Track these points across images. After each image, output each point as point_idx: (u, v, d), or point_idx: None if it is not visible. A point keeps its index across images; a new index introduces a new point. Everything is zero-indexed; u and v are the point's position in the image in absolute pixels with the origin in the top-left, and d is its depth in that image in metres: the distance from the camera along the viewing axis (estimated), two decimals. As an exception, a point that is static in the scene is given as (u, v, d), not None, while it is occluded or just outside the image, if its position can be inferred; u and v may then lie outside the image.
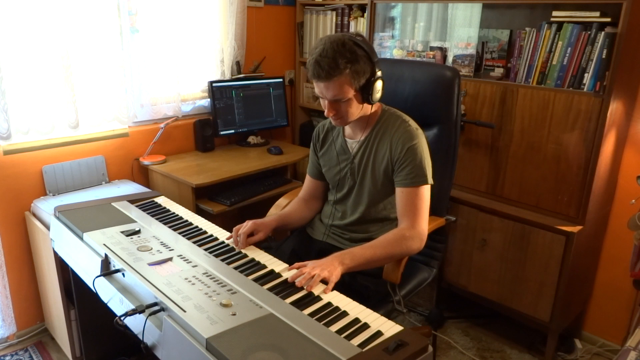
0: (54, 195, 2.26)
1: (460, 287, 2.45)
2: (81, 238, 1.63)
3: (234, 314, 1.16)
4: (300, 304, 1.24)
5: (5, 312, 2.26)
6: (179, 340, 1.13)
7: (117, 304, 1.40)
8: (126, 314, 1.25)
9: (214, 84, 2.73)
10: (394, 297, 1.59)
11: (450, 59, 2.45)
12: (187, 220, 1.77)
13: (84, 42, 2.25)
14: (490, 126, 2.24)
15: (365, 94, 1.52)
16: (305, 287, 1.31)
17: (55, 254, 1.92)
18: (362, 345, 1.08)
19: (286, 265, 1.45)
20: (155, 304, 1.24)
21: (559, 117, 2.06)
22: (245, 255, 1.51)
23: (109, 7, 2.27)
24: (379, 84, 1.53)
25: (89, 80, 2.31)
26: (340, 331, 1.13)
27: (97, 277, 1.46)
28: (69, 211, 1.81)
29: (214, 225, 1.73)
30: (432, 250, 1.87)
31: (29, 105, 2.14)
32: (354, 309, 1.24)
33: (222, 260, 1.46)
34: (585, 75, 1.97)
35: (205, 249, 1.52)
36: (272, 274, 1.39)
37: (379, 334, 1.13)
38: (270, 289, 1.30)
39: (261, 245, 1.62)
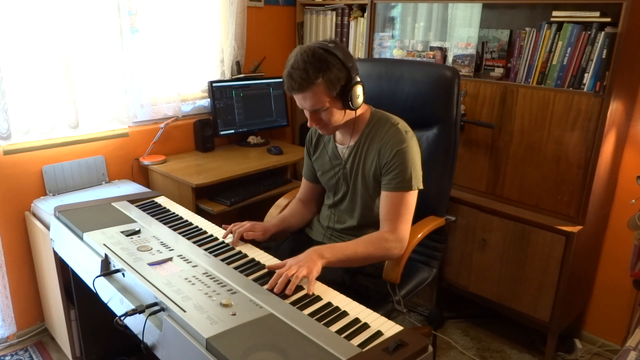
0: (54, 195, 2.26)
1: (460, 287, 2.45)
2: (81, 238, 1.63)
3: (234, 314, 1.16)
4: (300, 304, 1.24)
5: (5, 312, 2.26)
6: (179, 340, 1.13)
7: (117, 304, 1.40)
8: (126, 314, 1.25)
9: (214, 84, 2.73)
10: (394, 297, 1.58)
11: (450, 59, 2.45)
12: (187, 220, 1.77)
13: (84, 42, 2.25)
14: (490, 126, 2.24)
15: (344, 101, 1.49)
16: (286, 292, 1.26)
17: (55, 254, 1.92)
18: (362, 345, 1.08)
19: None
20: (155, 304, 1.24)
21: (559, 117, 2.06)
22: (245, 255, 1.51)
23: (109, 7, 2.27)
24: (358, 89, 1.50)
25: (89, 80, 2.31)
26: (340, 331, 1.13)
27: (97, 277, 1.46)
28: (69, 211, 1.81)
29: (214, 225, 1.73)
30: (432, 250, 1.87)
31: (29, 105, 2.14)
32: (354, 309, 1.24)
33: (222, 260, 1.46)
34: (585, 75, 1.97)
35: (205, 249, 1.52)
36: (272, 274, 1.39)
37: (379, 334, 1.13)
38: (270, 289, 1.29)
39: (261, 245, 1.62)
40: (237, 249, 1.55)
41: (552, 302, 2.13)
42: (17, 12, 2.03)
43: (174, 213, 1.84)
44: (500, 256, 2.26)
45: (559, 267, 2.09)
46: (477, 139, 2.33)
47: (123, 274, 1.40)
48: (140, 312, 1.23)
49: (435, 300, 2.64)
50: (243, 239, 1.59)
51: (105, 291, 1.46)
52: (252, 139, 2.92)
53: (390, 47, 2.70)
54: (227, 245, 1.57)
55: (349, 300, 1.28)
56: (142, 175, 2.60)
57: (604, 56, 1.90)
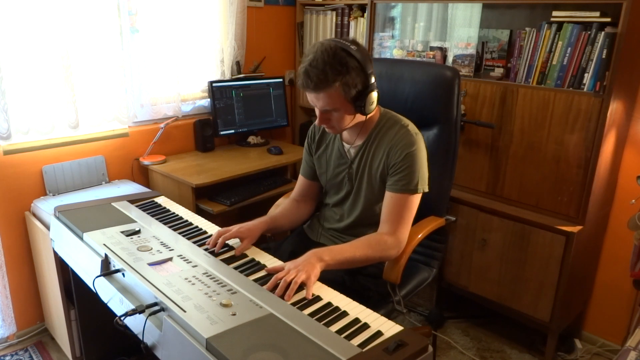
0: (54, 195, 2.26)
1: (460, 287, 2.45)
2: (81, 238, 1.63)
3: (234, 314, 1.16)
4: (300, 304, 1.24)
5: (5, 312, 2.26)
6: (179, 340, 1.13)
7: (117, 304, 1.40)
8: (126, 314, 1.25)
9: (214, 84, 2.73)
10: (394, 297, 1.58)
11: (450, 59, 2.45)
12: (187, 220, 1.77)
13: (84, 42, 2.25)
14: (490, 126, 2.24)
15: (357, 106, 1.48)
16: (285, 298, 1.25)
17: (55, 254, 1.92)
18: (362, 345, 1.08)
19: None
20: (155, 304, 1.24)
21: (559, 117, 2.06)
22: (245, 255, 1.51)
23: (109, 7, 2.27)
24: (372, 96, 1.49)
25: (89, 80, 2.31)
26: (340, 331, 1.13)
27: (97, 277, 1.46)
28: (69, 211, 1.81)
29: (214, 225, 1.73)
30: (432, 250, 1.87)
31: (29, 105, 2.14)
32: (354, 309, 1.24)
33: (222, 260, 1.46)
34: (585, 75, 1.97)
35: (205, 249, 1.52)
36: (272, 274, 1.39)
37: (379, 334, 1.13)
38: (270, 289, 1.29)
39: (261, 245, 1.62)
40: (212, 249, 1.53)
41: (552, 302, 2.13)
42: (17, 12, 2.03)
43: (174, 213, 1.84)
44: (500, 256, 2.26)
45: (559, 267, 2.09)
46: (477, 139, 2.33)
47: (123, 274, 1.40)
48: (140, 312, 1.23)
49: (435, 300, 2.64)
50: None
51: (105, 291, 1.46)
52: (252, 139, 2.92)
53: (390, 47, 2.70)
54: (227, 245, 1.57)
55: (349, 300, 1.28)
56: (142, 175, 2.60)
57: (604, 56, 1.90)
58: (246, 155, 2.73)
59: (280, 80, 3.02)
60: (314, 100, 1.48)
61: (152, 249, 1.50)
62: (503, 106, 2.21)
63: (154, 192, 2.10)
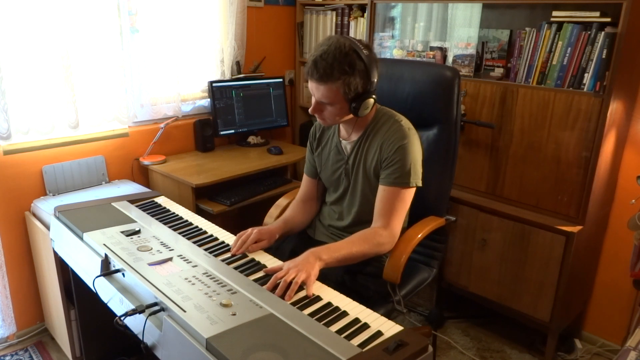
0: (54, 195, 2.26)
1: (460, 287, 2.45)
2: (81, 238, 1.63)
3: (234, 314, 1.16)
4: (300, 304, 1.24)
5: (5, 312, 2.26)
6: (179, 340, 1.13)
7: (117, 304, 1.40)
8: (126, 314, 1.25)
9: (214, 84, 2.73)
10: (394, 297, 1.58)
11: (450, 59, 2.45)
12: (187, 220, 1.77)
13: (84, 42, 2.25)
14: (490, 126, 2.24)
15: (352, 107, 1.51)
16: (285, 298, 1.25)
17: (55, 254, 1.92)
18: (362, 345, 1.08)
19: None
20: (155, 304, 1.24)
21: (559, 117, 2.06)
22: (245, 255, 1.51)
23: (109, 7, 2.27)
24: (369, 101, 1.52)
25: (89, 80, 2.31)
26: (340, 331, 1.13)
27: (97, 277, 1.46)
28: (69, 211, 1.81)
29: (214, 225, 1.73)
30: (432, 250, 1.87)
31: (29, 105, 2.14)
32: (354, 309, 1.24)
33: (222, 260, 1.46)
34: (585, 75, 1.97)
35: (205, 249, 1.52)
36: (272, 274, 1.39)
37: (379, 334, 1.13)
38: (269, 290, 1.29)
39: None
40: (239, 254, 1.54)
41: (552, 302, 2.13)
42: (17, 12, 2.03)
43: (174, 213, 1.84)
44: (500, 256, 2.26)
45: (559, 267, 2.09)
46: (477, 139, 2.33)
47: (123, 274, 1.40)
48: (140, 312, 1.24)
49: (435, 300, 2.64)
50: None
51: (105, 291, 1.46)
52: (252, 139, 2.92)
53: (390, 47, 2.70)
54: (227, 245, 1.57)
55: (349, 300, 1.28)
56: (142, 175, 2.60)
57: (604, 56, 1.90)
58: (246, 155, 2.73)
59: (280, 80, 3.02)
60: (314, 89, 1.51)
61: (152, 249, 1.50)
62: (503, 106, 2.21)
63: (154, 192, 2.10)
